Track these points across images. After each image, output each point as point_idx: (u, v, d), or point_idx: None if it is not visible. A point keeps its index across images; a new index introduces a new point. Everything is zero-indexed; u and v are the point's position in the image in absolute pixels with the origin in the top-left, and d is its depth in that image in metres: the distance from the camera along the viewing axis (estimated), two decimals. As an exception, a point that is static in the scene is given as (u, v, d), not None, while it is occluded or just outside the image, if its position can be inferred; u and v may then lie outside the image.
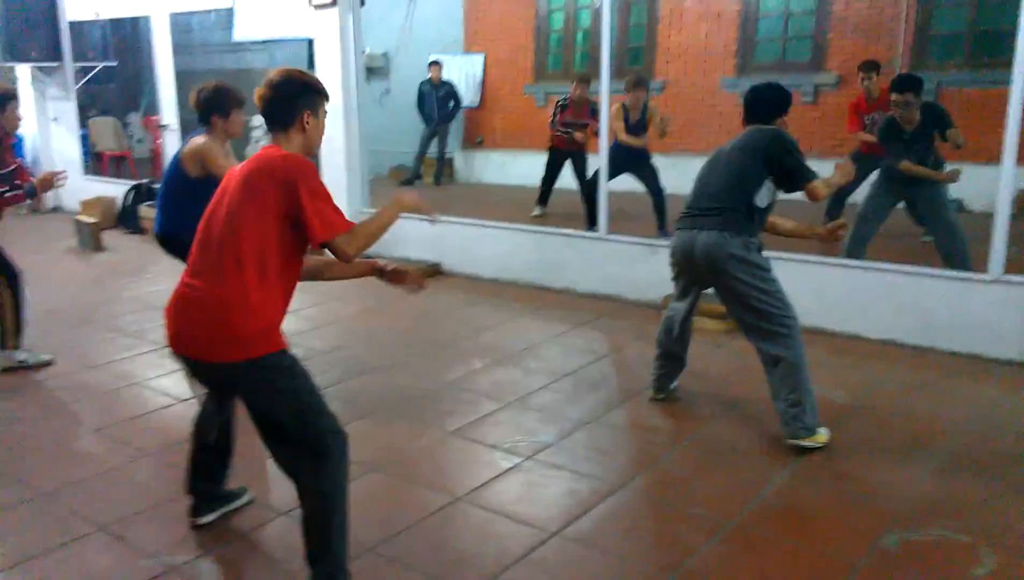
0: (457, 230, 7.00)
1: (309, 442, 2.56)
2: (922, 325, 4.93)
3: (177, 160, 4.28)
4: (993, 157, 5.13)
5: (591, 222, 7.27)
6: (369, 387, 4.53)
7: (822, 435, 3.66)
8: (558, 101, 8.34)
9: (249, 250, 2.48)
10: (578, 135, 7.96)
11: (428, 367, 4.80)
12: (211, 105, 4.20)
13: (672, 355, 4.21)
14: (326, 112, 2.73)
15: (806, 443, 3.62)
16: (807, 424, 3.63)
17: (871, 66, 7.00)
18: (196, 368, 2.68)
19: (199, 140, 4.23)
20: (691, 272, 3.90)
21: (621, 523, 3.15)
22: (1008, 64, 4.60)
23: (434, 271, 6.93)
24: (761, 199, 3.74)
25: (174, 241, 4.28)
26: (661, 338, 4.20)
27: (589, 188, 7.15)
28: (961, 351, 4.81)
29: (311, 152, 2.73)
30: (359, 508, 3.20)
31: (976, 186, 8.02)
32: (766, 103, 3.90)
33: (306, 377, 2.62)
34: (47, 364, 4.81)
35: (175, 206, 4.30)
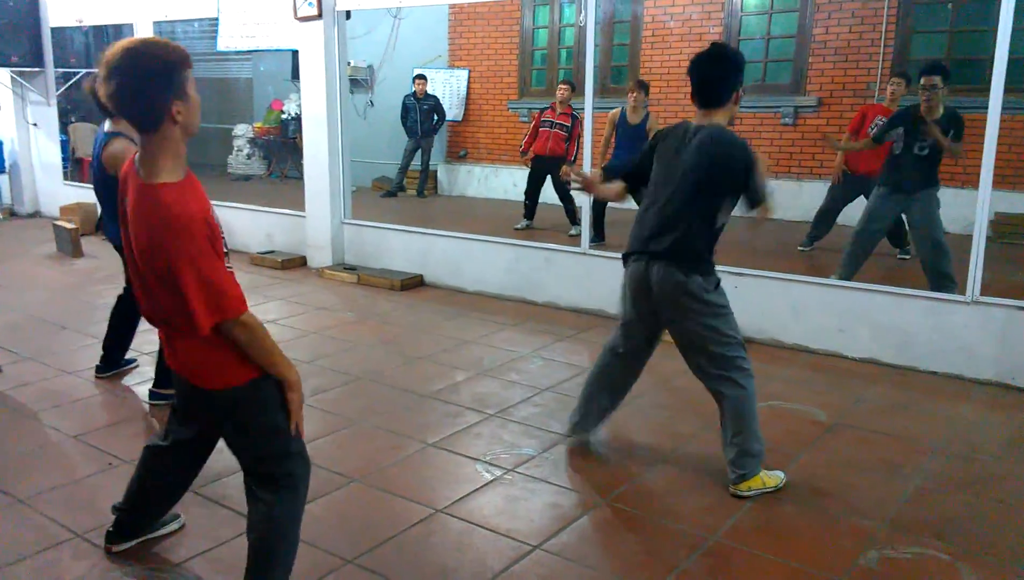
0: (440, 243, 7.01)
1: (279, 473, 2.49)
2: (902, 345, 4.99)
3: (100, 163, 4.16)
4: (970, 181, 5.22)
5: (599, 235, 7.41)
6: (350, 398, 4.50)
7: (770, 478, 3.43)
8: (539, 115, 8.66)
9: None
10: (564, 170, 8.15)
11: (410, 379, 4.78)
12: None
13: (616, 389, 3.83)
14: (194, 80, 2.22)
15: (741, 492, 3.38)
16: (746, 469, 3.40)
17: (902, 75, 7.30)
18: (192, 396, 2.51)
19: (113, 142, 4.09)
20: (644, 305, 3.51)
21: (602, 537, 3.15)
22: (984, 90, 4.69)
23: (416, 283, 6.93)
24: (722, 218, 3.40)
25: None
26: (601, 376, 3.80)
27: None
28: (940, 371, 4.87)
29: (194, 133, 2.27)
30: (338, 519, 3.20)
31: (953, 209, 8.16)
32: (719, 82, 3.39)
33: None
34: None
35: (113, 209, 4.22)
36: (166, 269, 2.14)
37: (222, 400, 2.41)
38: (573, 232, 8.10)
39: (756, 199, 3.34)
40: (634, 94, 7.80)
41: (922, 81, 5.77)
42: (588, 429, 3.89)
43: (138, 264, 2.28)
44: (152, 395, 4.35)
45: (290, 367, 2.39)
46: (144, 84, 2.11)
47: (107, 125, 4.20)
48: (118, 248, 4.26)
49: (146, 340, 4.99)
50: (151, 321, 2.43)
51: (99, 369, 4.74)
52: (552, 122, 8.48)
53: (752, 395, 3.42)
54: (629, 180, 3.64)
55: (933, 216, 5.79)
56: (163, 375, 4.28)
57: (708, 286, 3.35)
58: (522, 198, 8.91)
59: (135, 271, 2.34)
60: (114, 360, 4.76)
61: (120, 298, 4.68)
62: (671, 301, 3.37)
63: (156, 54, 2.13)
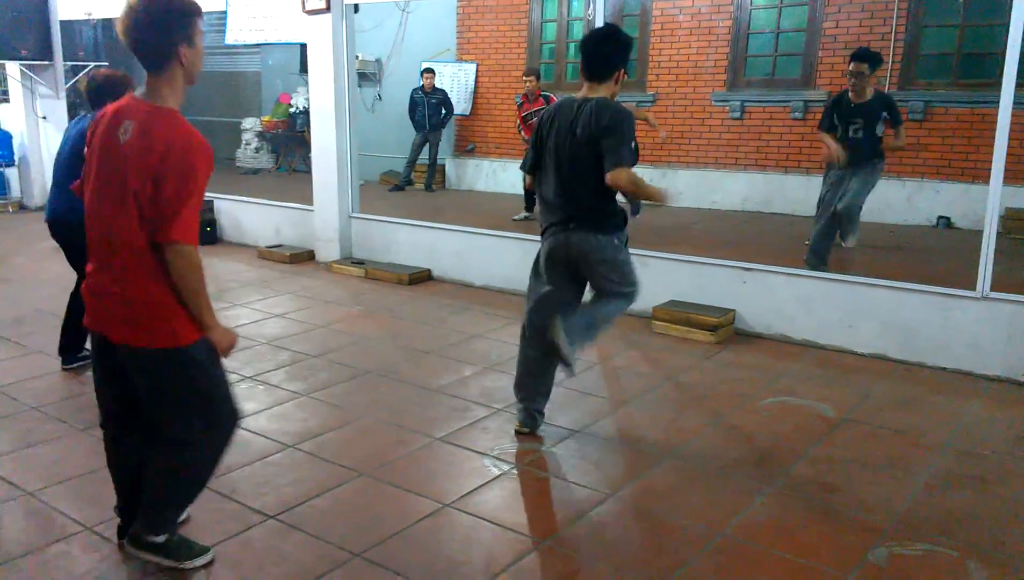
0: (448, 237, 7.00)
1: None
2: (910, 340, 4.97)
3: (76, 144, 4.32)
4: (980, 176, 5.20)
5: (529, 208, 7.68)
6: (358, 392, 4.51)
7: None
8: (516, 103, 9.04)
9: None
10: None
11: (417, 373, 4.79)
12: (106, 90, 4.26)
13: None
14: (202, 33, 2.46)
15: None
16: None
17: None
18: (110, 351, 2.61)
19: None
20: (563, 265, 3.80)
21: (609, 532, 3.14)
22: (995, 85, 4.66)
23: (424, 276, 6.94)
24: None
25: (63, 224, 4.45)
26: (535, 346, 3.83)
27: None
28: (948, 367, 4.85)
29: (193, 82, 2.49)
30: (346, 513, 3.20)
31: (963, 204, 8.13)
32: (603, 58, 3.63)
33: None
34: None
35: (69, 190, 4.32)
36: (160, 177, 2.31)
37: (142, 360, 2.51)
38: (521, 217, 8.64)
39: (612, 161, 3.44)
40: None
41: (850, 67, 6.00)
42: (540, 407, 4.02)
43: (103, 179, 2.42)
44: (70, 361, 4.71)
45: (214, 319, 2.52)
46: (159, 21, 2.34)
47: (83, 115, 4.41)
48: (50, 224, 4.56)
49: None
50: (90, 252, 2.54)
51: (65, 359, 4.79)
52: (531, 114, 8.58)
53: (624, 307, 3.81)
54: (530, 168, 3.84)
55: (863, 182, 6.05)
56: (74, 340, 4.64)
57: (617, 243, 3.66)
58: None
59: (93, 192, 2.48)
60: (76, 345, 4.76)
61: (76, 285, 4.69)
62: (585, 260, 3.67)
63: (170, 4, 2.37)
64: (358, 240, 7.47)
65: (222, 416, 2.68)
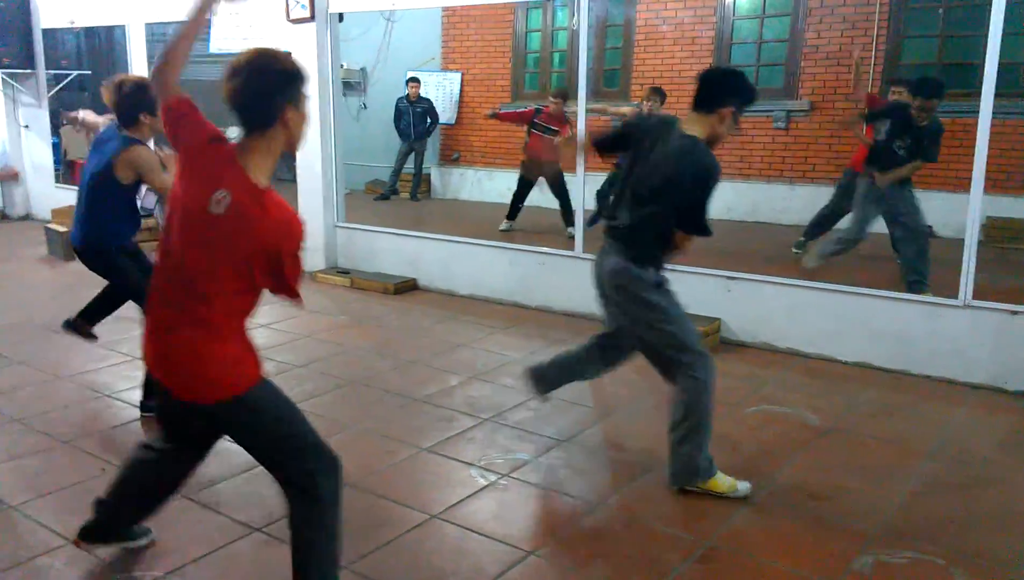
0: (433, 246, 7.00)
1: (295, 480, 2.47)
2: (895, 349, 5.00)
3: (109, 164, 4.00)
4: (962, 185, 5.25)
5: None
6: (343, 402, 4.49)
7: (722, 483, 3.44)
8: (534, 108, 8.85)
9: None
10: (557, 140, 8.33)
11: (403, 383, 4.77)
12: (138, 101, 3.97)
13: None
14: (308, 97, 2.39)
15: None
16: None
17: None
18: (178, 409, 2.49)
19: (138, 149, 4.01)
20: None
21: (597, 542, 3.14)
22: (975, 95, 4.71)
23: (410, 286, 6.93)
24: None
25: (96, 252, 4.17)
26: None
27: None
28: (933, 375, 4.88)
29: (296, 148, 2.45)
30: (334, 524, 3.18)
31: (945, 213, 8.19)
32: (712, 87, 3.35)
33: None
34: None
35: (100, 214, 4.10)
36: (273, 256, 2.25)
37: (213, 416, 2.42)
38: (571, 232, 8.13)
39: (690, 226, 3.31)
40: (649, 102, 7.77)
41: (922, 103, 5.85)
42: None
43: (202, 242, 2.27)
44: (143, 407, 4.22)
45: None
46: (268, 81, 2.26)
47: (114, 130, 4.07)
48: (79, 252, 4.20)
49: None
50: (165, 300, 2.37)
51: (67, 322, 4.52)
52: (546, 127, 8.53)
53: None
54: (599, 143, 3.77)
55: (913, 205, 6.00)
56: (151, 387, 4.14)
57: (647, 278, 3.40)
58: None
59: (180, 241, 2.31)
60: (89, 319, 4.51)
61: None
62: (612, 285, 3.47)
63: (282, 59, 2.31)
64: (343, 249, 7.45)
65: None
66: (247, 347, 2.43)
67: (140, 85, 4.02)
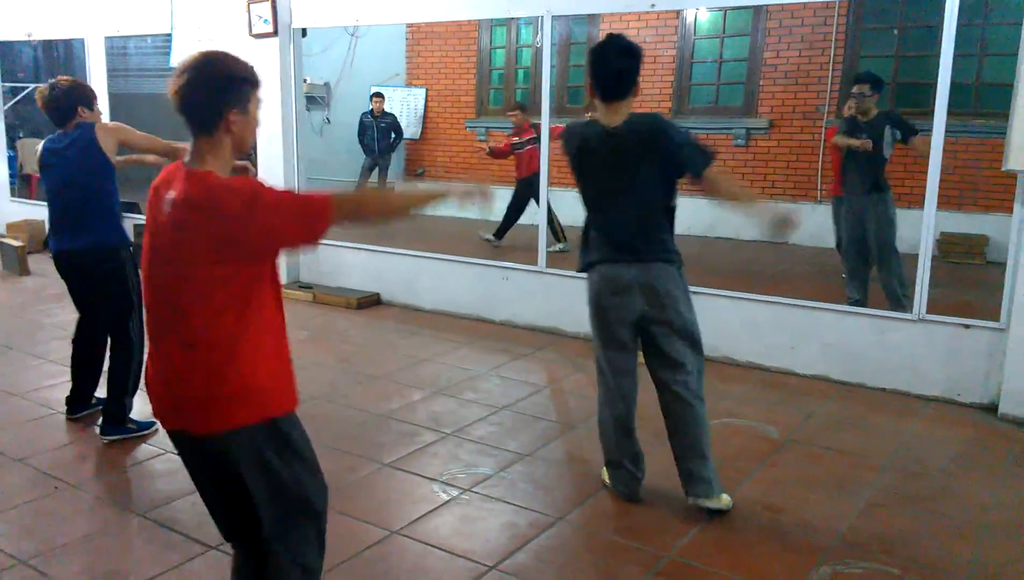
0: (397, 261, 6.99)
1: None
2: (850, 362, 5.08)
3: (92, 143, 3.93)
4: (916, 201, 5.36)
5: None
6: (305, 417, 4.41)
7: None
8: (508, 142, 9.01)
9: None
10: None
11: (365, 398, 4.74)
12: (75, 96, 4.00)
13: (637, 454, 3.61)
14: (260, 100, 2.30)
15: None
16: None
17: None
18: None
19: (103, 122, 4.05)
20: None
21: (559, 556, 3.14)
22: (929, 113, 4.82)
23: (373, 300, 6.90)
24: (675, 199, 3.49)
25: (107, 251, 4.08)
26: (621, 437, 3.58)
27: None
28: (887, 387, 4.96)
29: (245, 150, 2.34)
30: (293, 541, 3.15)
31: (900, 228, 8.35)
32: (628, 73, 3.40)
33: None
34: None
35: (98, 211, 4.04)
36: (241, 223, 2.07)
37: (228, 446, 2.15)
38: (556, 248, 8.17)
39: (700, 161, 3.28)
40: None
41: (853, 89, 6.06)
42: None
43: (162, 259, 2.16)
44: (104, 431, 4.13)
45: (429, 191, 2.42)
46: (210, 83, 2.18)
47: (60, 135, 4.05)
48: (57, 259, 4.11)
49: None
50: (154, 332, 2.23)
51: (70, 409, 4.37)
52: (522, 143, 8.62)
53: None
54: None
55: (888, 220, 5.97)
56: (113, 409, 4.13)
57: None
58: (493, 218, 8.90)
59: (158, 270, 2.19)
60: (86, 396, 4.39)
61: (78, 329, 4.37)
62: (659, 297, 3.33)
63: (229, 63, 2.23)
64: (306, 264, 7.40)
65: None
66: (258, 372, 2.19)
67: (75, 82, 4.07)
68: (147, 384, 2.26)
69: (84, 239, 4.04)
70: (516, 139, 8.75)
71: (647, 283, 3.31)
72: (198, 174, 2.15)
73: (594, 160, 3.40)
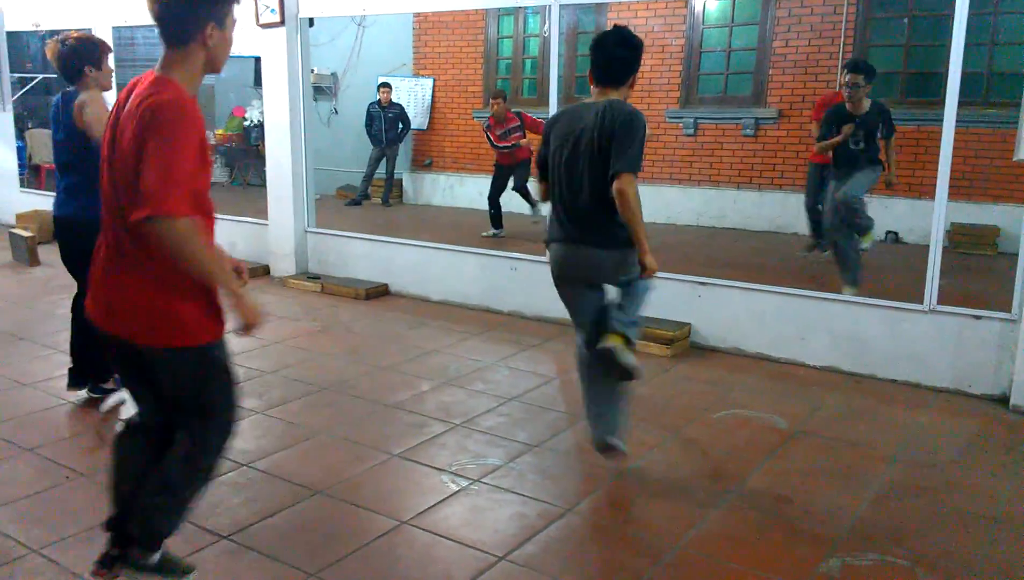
0: (405, 252, 6.98)
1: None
2: (860, 353, 5.06)
3: (70, 120, 3.95)
4: (927, 192, 5.33)
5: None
6: (314, 409, 4.46)
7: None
8: (483, 126, 9.02)
9: None
10: (524, 141, 8.69)
11: (374, 389, 4.75)
12: (82, 54, 3.94)
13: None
14: (235, 20, 2.37)
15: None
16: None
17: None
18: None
19: (89, 95, 3.97)
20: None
21: (567, 547, 3.15)
22: (939, 104, 4.79)
23: (382, 291, 6.91)
24: None
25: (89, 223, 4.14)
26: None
27: None
28: (898, 379, 4.95)
29: (218, 69, 2.40)
30: (301, 532, 3.16)
31: (910, 220, 8.33)
32: (622, 62, 3.52)
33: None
34: None
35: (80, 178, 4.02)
36: (143, 144, 2.14)
37: (158, 360, 2.41)
38: (535, 218, 8.27)
39: (617, 167, 3.28)
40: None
41: (846, 78, 5.96)
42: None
43: (117, 153, 2.27)
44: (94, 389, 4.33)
45: (229, 276, 2.40)
46: None
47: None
48: (59, 222, 4.14)
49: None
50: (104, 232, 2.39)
51: (71, 382, 4.43)
52: (506, 131, 8.65)
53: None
54: (540, 167, 3.68)
55: (864, 175, 5.96)
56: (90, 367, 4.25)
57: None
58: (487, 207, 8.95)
59: (110, 170, 2.32)
60: (84, 371, 4.43)
61: (75, 301, 4.43)
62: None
63: None
64: (314, 255, 7.41)
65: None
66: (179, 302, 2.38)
67: (84, 39, 4.02)
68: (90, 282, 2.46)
69: (70, 206, 4.10)
70: (500, 129, 8.76)
71: (589, 264, 3.56)
72: (164, 79, 2.24)
73: (559, 127, 3.53)
